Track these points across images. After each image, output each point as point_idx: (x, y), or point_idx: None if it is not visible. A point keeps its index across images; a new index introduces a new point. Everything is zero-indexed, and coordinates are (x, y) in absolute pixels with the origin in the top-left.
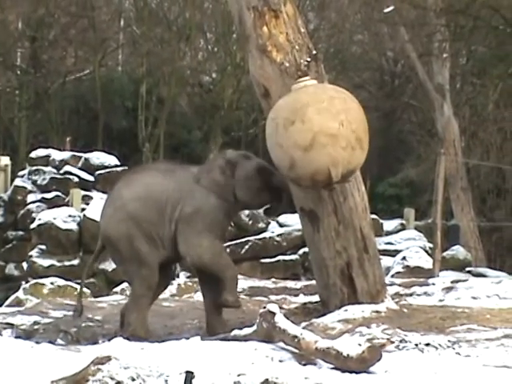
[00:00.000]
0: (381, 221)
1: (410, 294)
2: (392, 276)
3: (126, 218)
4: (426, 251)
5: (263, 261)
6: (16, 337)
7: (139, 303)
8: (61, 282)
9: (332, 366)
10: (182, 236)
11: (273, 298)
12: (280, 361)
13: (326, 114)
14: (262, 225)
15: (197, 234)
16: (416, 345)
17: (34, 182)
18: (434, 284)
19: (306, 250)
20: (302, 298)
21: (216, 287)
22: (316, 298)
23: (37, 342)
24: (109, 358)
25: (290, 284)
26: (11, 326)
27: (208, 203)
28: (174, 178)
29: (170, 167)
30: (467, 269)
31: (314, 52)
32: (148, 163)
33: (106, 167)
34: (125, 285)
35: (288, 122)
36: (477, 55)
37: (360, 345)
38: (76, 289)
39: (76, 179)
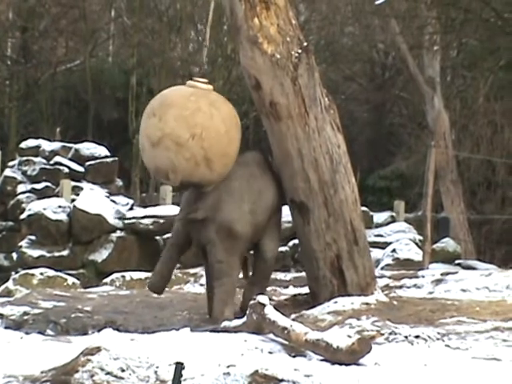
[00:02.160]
0: (371, 213)
1: (400, 287)
2: (382, 268)
3: (252, 224)
4: (416, 243)
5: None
6: (5, 327)
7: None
8: (50, 272)
9: (322, 357)
10: (271, 237)
11: None
12: (270, 352)
13: (183, 122)
14: None
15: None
16: (406, 337)
17: (24, 173)
18: (423, 276)
19: (296, 241)
20: (292, 290)
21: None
22: (306, 289)
23: (26, 333)
24: (98, 349)
25: (280, 276)
26: (0, 316)
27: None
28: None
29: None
30: (457, 261)
31: (305, 44)
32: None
33: (96, 158)
34: (114, 276)
35: (151, 112)
36: (467, 48)
37: (350, 337)
38: (66, 279)
39: (66, 170)
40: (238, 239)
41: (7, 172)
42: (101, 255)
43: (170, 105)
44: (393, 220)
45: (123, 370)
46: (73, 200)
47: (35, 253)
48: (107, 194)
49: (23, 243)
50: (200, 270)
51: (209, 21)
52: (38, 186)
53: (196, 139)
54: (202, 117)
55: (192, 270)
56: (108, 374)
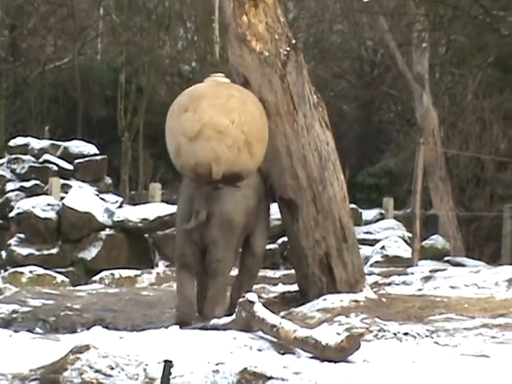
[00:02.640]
0: (360, 210)
1: (389, 284)
2: (371, 265)
3: (247, 211)
4: (405, 240)
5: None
6: None
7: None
8: (40, 270)
9: (311, 355)
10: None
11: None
12: (259, 350)
13: (219, 109)
14: None
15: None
16: (394, 334)
17: (13, 171)
18: (412, 273)
19: (284, 239)
20: (281, 288)
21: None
22: (295, 287)
23: (15, 331)
24: (87, 347)
25: (269, 273)
26: None
27: None
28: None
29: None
30: (446, 258)
31: (294, 41)
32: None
33: (85, 156)
34: (103, 274)
35: (182, 109)
36: (456, 45)
37: (339, 334)
38: (55, 277)
39: (55, 168)
40: (236, 231)
41: None
42: (90, 253)
43: (202, 96)
44: (382, 217)
45: (112, 368)
46: (62, 198)
47: (24, 251)
48: (96, 192)
49: (12, 241)
50: None
51: (216, 16)
52: (27, 184)
53: (236, 124)
54: (236, 103)
55: None
56: (97, 371)
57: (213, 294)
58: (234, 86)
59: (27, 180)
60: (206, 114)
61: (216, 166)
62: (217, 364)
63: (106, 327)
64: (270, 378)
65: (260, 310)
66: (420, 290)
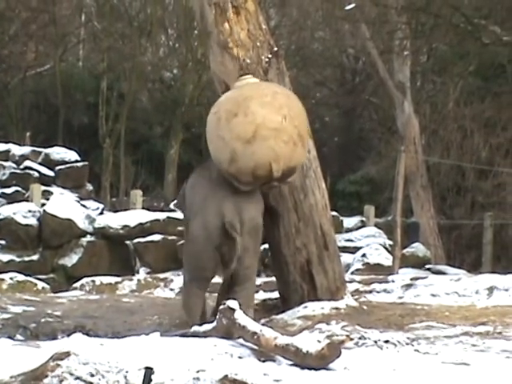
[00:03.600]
0: (341, 218)
1: (370, 291)
2: (352, 273)
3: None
4: (386, 248)
5: None
6: None
7: None
8: (20, 277)
9: (291, 362)
10: None
11: None
12: (239, 357)
13: (269, 107)
14: None
15: None
16: (375, 342)
17: None
18: (393, 281)
19: (266, 246)
20: (262, 295)
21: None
22: (276, 294)
23: None
24: (68, 354)
25: None
26: None
27: None
28: None
29: None
30: (427, 266)
31: (275, 49)
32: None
33: (67, 162)
34: (84, 280)
35: (231, 114)
36: (437, 53)
37: (319, 341)
38: (35, 284)
39: (36, 174)
40: (260, 235)
41: None
42: (71, 260)
43: (248, 98)
44: (363, 225)
45: (93, 375)
46: (43, 204)
47: (5, 257)
48: (77, 199)
49: None
50: (170, 275)
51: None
52: (8, 191)
53: (288, 119)
54: (281, 98)
55: (162, 275)
56: (77, 378)
57: (243, 300)
58: (272, 83)
59: (8, 186)
60: (257, 114)
61: (276, 164)
62: (197, 371)
63: (87, 334)
64: None
65: (241, 318)
66: (401, 297)
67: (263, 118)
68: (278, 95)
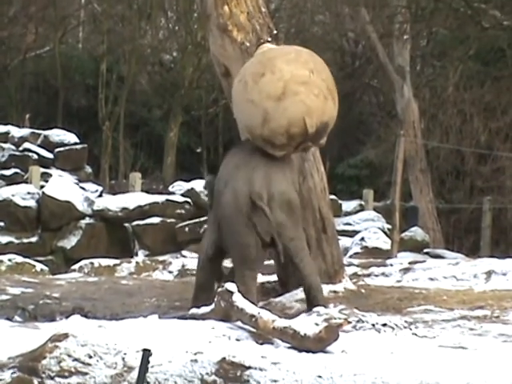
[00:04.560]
0: (340, 201)
1: (368, 275)
2: (350, 256)
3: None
4: (385, 232)
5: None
6: None
7: None
8: (19, 258)
9: (289, 345)
10: None
11: None
12: (237, 340)
13: (295, 63)
14: None
15: None
16: (373, 325)
17: None
18: (391, 265)
19: None
20: (260, 278)
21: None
22: (274, 277)
23: None
24: (66, 336)
25: None
26: None
27: None
28: None
29: None
30: (425, 250)
31: (275, 32)
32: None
33: (66, 145)
34: (83, 262)
35: (257, 75)
36: (437, 37)
37: (317, 324)
38: (34, 266)
39: (35, 156)
40: (296, 210)
41: None
42: (69, 242)
43: (273, 58)
44: (361, 208)
45: (91, 357)
46: (42, 186)
47: (4, 239)
48: (76, 181)
49: None
50: (168, 258)
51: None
52: (7, 173)
53: (315, 73)
54: (305, 54)
55: (160, 258)
56: (75, 360)
57: (308, 269)
58: (292, 46)
59: (7, 168)
60: (284, 71)
61: (309, 119)
62: (195, 353)
63: (85, 316)
64: (249, 367)
65: (239, 300)
66: (399, 281)
67: (291, 74)
68: (302, 52)
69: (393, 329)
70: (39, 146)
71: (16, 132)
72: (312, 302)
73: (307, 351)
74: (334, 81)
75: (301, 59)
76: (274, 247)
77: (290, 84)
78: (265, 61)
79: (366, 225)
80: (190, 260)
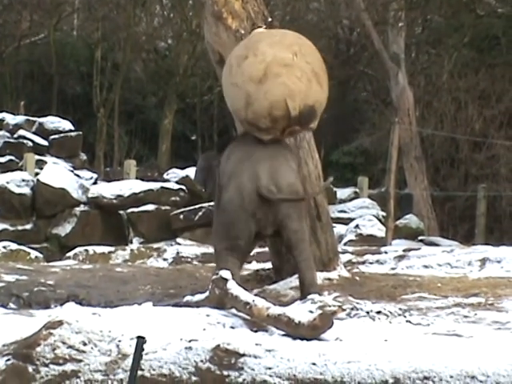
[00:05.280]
0: (334, 189)
1: (363, 262)
2: (345, 244)
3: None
4: (379, 220)
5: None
6: None
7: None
8: (13, 246)
9: (283, 332)
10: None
11: None
12: (232, 327)
13: (279, 45)
14: None
15: None
16: (367, 312)
17: None
18: (386, 252)
19: None
20: (255, 265)
21: None
22: (268, 265)
23: None
24: (60, 323)
25: None
26: None
27: None
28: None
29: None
30: (420, 238)
31: (270, 19)
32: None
33: (61, 132)
34: (77, 250)
35: (241, 58)
36: (432, 25)
37: (312, 312)
38: (29, 253)
39: (30, 144)
40: (301, 201)
41: None
42: (64, 229)
43: (257, 41)
44: (356, 196)
45: (85, 344)
46: (36, 174)
47: None
48: (71, 168)
49: None
50: (163, 245)
51: None
52: (2, 160)
53: (299, 56)
54: (291, 37)
55: (155, 245)
56: (70, 347)
57: (305, 264)
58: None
59: (2, 155)
60: (267, 53)
61: (291, 101)
62: (189, 341)
63: (80, 303)
64: (243, 355)
65: (233, 288)
66: (393, 269)
67: (273, 56)
68: (287, 35)
69: (387, 316)
70: (34, 133)
71: (11, 119)
72: (305, 296)
73: (301, 339)
74: (323, 65)
75: (285, 42)
76: (273, 237)
77: (272, 66)
78: (249, 44)
79: (361, 212)
80: (184, 247)
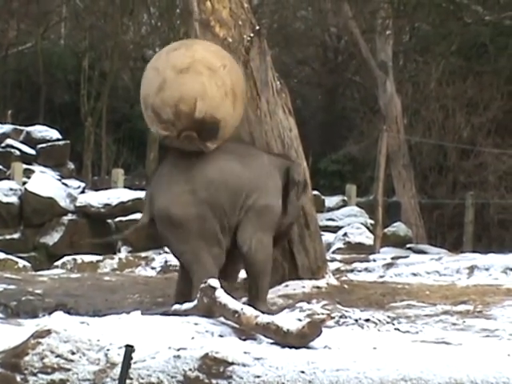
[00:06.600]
0: (322, 197)
1: (351, 270)
2: (333, 252)
3: (197, 202)
4: (368, 227)
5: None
6: None
7: None
8: (1, 255)
9: (272, 341)
10: (248, 225)
11: None
12: (220, 336)
13: (213, 53)
14: None
15: (263, 229)
16: (356, 320)
17: None
18: (374, 260)
19: None
20: (243, 274)
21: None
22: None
23: None
24: (49, 332)
25: None
26: None
27: (278, 204)
28: (249, 165)
29: (244, 151)
30: (408, 245)
31: (257, 27)
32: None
33: (48, 141)
34: (65, 259)
35: (172, 49)
36: (420, 32)
37: (300, 320)
38: (17, 262)
39: (17, 153)
40: (180, 225)
41: None
42: (52, 238)
43: (196, 43)
44: (344, 204)
45: (73, 353)
46: (24, 183)
47: None
48: (59, 177)
49: None
50: (151, 254)
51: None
52: None
53: (227, 70)
54: (227, 55)
55: (143, 254)
56: (58, 356)
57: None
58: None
59: None
60: (199, 52)
61: (201, 102)
62: (178, 349)
63: (68, 312)
64: (232, 363)
65: (222, 296)
66: (382, 276)
67: (203, 57)
68: (223, 52)
69: (376, 324)
70: (21, 142)
71: None
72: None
73: (290, 347)
74: (244, 94)
75: (220, 53)
76: None
77: (198, 64)
78: (187, 42)
79: (349, 220)
80: (172, 256)
